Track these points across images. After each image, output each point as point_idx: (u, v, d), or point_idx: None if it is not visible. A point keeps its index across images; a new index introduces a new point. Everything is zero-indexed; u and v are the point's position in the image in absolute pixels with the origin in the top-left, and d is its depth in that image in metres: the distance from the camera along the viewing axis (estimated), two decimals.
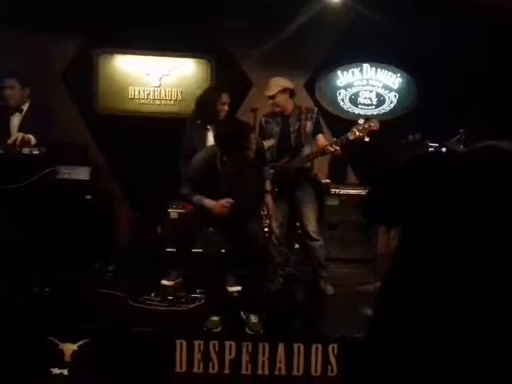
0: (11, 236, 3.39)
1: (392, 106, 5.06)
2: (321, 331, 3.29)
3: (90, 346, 2.92)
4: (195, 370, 2.97)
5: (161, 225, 4.35)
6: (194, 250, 3.95)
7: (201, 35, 4.76)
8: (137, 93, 4.91)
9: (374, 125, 3.54)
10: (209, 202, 3.05)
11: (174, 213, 4.15)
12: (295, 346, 3.00)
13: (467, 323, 1.36)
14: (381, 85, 5.05)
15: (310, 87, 5.01)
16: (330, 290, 3.86)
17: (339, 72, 5.03)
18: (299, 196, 3.79)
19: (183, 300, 3.54)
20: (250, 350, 2.98)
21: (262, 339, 3.02)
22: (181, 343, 2.96)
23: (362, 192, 4.59)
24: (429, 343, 1.39)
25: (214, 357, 2.98)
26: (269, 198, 3.40)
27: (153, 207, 4.41)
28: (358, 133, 3.54)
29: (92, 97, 4.88)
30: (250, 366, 2.98)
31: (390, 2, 4.27)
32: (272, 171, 3.59)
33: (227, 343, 2.99)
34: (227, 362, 2.98)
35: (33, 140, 3.64)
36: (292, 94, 3.78)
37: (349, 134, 3.56)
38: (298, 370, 3.01)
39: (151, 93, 4.92)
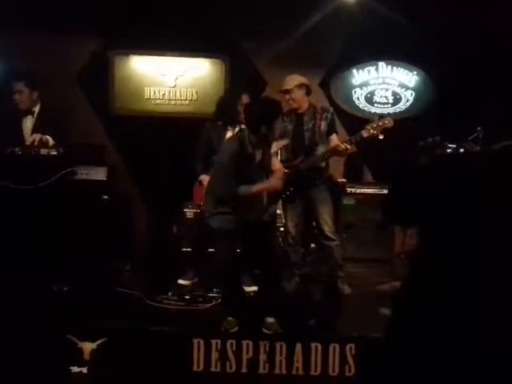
0: (29, 236, 3.43)
1: (408, 104, 5.02)
2: (338, 331, 3.27)
3: (108, 344, 2.94)
4: (212, 369, 2.97)
5: (177, 224, 4.37)
6: (210, 250, 3.96)
7: (215, 35, 4.77)
8: (152, 93, 4.94)
9: (388, 122, 3.52)
10: (258, 186, 2.97)
11: (189, 213, 4.16)
12: (312, 345, 2.99)
13: (486, 324, 1.35)
14: (397, 83, 5.02)
15: (325, 86, 4.99)
16: (346, 289, 3.84)
17: (354, 70, 5.01)
18: (314, 196, 3.77)
19: (200, 299, 3.53)
20: (267, 349, 2.98)
21: (279, 339, 3.01)
22: (198, 342, 2.96)
23: (379, 191, 4.56)
24: (448, 344, 1.39)
25: (232, 356, 2.98)
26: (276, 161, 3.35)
27: (169, 207, 4.43)
28: (371, 130, 3.52)
29: (108, 97, 4.92)
30: (267, 365, 2.98)
31: None
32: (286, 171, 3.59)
33: (244, 342, 2.98)
34: (245, 362, 2.98)
35: (50, 141, 3.68)
36: (308, 90, 3.76)
37: (362, 131, 3.55)
38: (315, 370, 2.99)
39: (167, 93, 4.95)
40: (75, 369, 2.91)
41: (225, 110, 3.81)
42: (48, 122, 3.82)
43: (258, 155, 3.02)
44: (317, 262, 4.39)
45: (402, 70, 4.99)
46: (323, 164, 3.79)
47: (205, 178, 3.80)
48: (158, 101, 4.95)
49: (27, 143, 3.66)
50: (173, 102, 4.96)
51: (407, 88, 5.01)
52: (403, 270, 3.58)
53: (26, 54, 4.55)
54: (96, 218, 3.69)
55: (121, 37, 4.83)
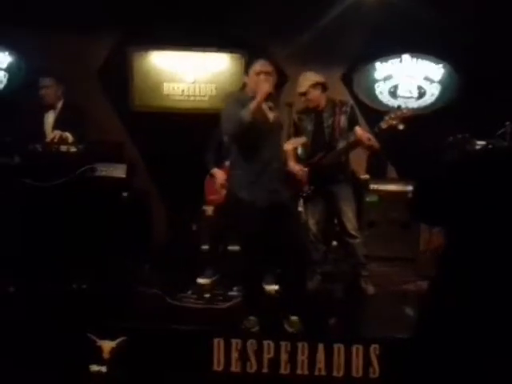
0: (48, 233, 3.43)
1: (434, 98, 4.88)
2: (361, 332, 3.21)
3: (127, 343, 2.92)
4: (233, 368, 2.93)
5: (196, 222, 4.34)
6: (229, 248, 3.93)
7: (234, 30, 4.72)
8: (171, 89, 4.93)
9: (407, 111, 3.42)
10: (253, 103, 2.86)
11: (209, 210, 4.13)
12: (335, 346, 2.92)
13: None
14: (422, 76, 4.88)
15: (347, 80, 4.89)
16: (370, 289, 3.76)
17: (377, 64, 4.90)
18: (336, 193, 3.70)
19: (220, 298, 3.51)
20: (288, 349, 2.93)
21: (301, 339, 2.95)
22: (218, 342, 2.93)
23: (403, 188, 4.46)
24: (478, 345, 1.35)
25: (252, 356, 2.94)
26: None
27: (188, 204, 4.41)
28: (390, 121, 3.42)
29: (127, 94, 4.93)
30: (288, 365, 2.93)
31: None
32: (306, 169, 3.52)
33: (265, 342, 2.93)
34: (265, 361, 2.93)
35: (70, 138, 3.69)
36: (324, 88, 3.68)
37: (381, 123, 3.46)
38: (338, 371, 2.93)
39: (186, 89, 4.93)
40: (94, 367, 2.90)
41: None
42: (69, 118, 3.85)
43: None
44: (339, 260, 4.33)
45: (427, 62, 4.86)
46: (343, 158, 3.71)
47: (216, 172, 3.76)
48: (177, 97, 4.94)
49: (48, 140, 3.68)
50: (192, 98, 4.94)
51: (432, 81, 4.87)
52: (428, 268, 3.49)
53: (47, 51, 4.59)
54: (115, 216, 3.68)
55: (140, 33, 4.83)
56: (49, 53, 4.56)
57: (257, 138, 2.92)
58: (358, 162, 4.41)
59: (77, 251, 3.43)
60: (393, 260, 4.46)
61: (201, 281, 3.81)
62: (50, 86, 3.88)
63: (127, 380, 2.93)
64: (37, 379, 2.79)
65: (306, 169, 3.55)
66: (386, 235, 4.56)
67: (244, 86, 3.97)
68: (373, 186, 4.63)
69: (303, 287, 3.35)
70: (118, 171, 3.80)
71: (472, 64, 4.50)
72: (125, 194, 3.85)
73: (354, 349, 2.92)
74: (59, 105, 3.95)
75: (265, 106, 2.98)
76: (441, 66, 4.85)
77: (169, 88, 4.93)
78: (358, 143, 3.56)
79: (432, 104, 4.89)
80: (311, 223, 3.78)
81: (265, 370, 2.93)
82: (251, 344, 2.93)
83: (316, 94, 3.64)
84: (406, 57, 4.87)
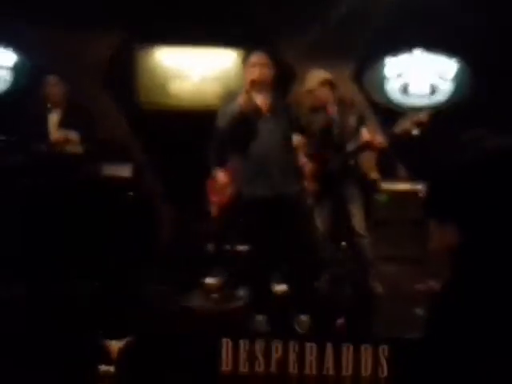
0: (54, 233, 3.44)
1: (447, 95, 4.80)
2: (370, 332, 3.19)
3: (135, 343, 2.92)
4: (241, 369, 2.93)
5: (202, 222, 4.33)
6: (237, 248, 3.91)
7: (242, 27, 4.70)
8: (178, 87, 4.90)
9: (423, 116, 3.35)
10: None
11: (213, 210, 4.11)
12: (344, 346, 2.91)
13: None
14: (434, 73, 4.80)
15: (357, 78, 4.84)
16: (379, 288, 3.74)
17: (388, 60, 4.83)
18: (344, 193, 3.69)
19: (228, 298, 3.50)
20: (297, 349, 2.91)
21: (310, 339, 2.94)
22: (226, 342, 2.92)
23: (413, 187, 4.43)
24: (491, 348, 1.35)
25: (260, 356, 2.92)
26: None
27: (194, 203, 4.39)
28: (404, 126, 3.35)
29: (133, 92, 4.92)
30: (297, 365, 2.91)
31: None
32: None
33: (273, 342, 2.92)
34: (274, 362, 2.92)
35: (75, 137, 3.68)
36: (332, 85, 3.63)
37: (395, 127, 3.40)
38: (346, 371, 2.91)
39: (192, 86, 4.91)
40: (103, 367, 2.90)
41: None
42: (73, 117, 3.84)
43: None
44: (347, 259, 4.30)
45: (440, 58, 4.77)
46: (352, 162, 3.67)
47: (218, 172, 3.74)
48: (183, 95, 4.92)
49: (53, 139, 3.67)
50: (198, 96, 4.92)
51: (446, 78, 4.79)
52: (439, 268, 3.46)
53: (51, 50, 4.58)
54: (121, 215, 3.68)
55: (145, 30, 4.81)
56: (53, 51, 4.55)
57: (251, 131, 2.89)
58: (368, 160, 4.37)
59: (83, 251, 3.44)
60: (402, 260, 4.42)
61: (208, 281, 3.80)
62: (55, 84, 3.88)
63: (135, 380, 2.93)
64: (45, 380, 2.80)
65: (313, 164, 3.51)
66: (395, 235, 4.52)
67: None
68: (382, 185, 4.59)
69: (312, 287, 3.33)
70: (124, 171, 3.81)
71: (486, 60, 4.43)
72: (130, 194, 3.86)
73: (362, 349, 2.90)
74: (64, 104, 3.94)
75: (260, 98, 2.95)
76: (454, 62, 4.75)
77: (175, 85, 4.91)
78: (366, 146, 3.52)
79: (445, 101, 4.80)
80: (319, 222, 3.76)
81: (273, 370, 2.92)
82: (259, 344, 2.93)
83: (324, 91, 3.60)
84: (417, 52, 4.78)
